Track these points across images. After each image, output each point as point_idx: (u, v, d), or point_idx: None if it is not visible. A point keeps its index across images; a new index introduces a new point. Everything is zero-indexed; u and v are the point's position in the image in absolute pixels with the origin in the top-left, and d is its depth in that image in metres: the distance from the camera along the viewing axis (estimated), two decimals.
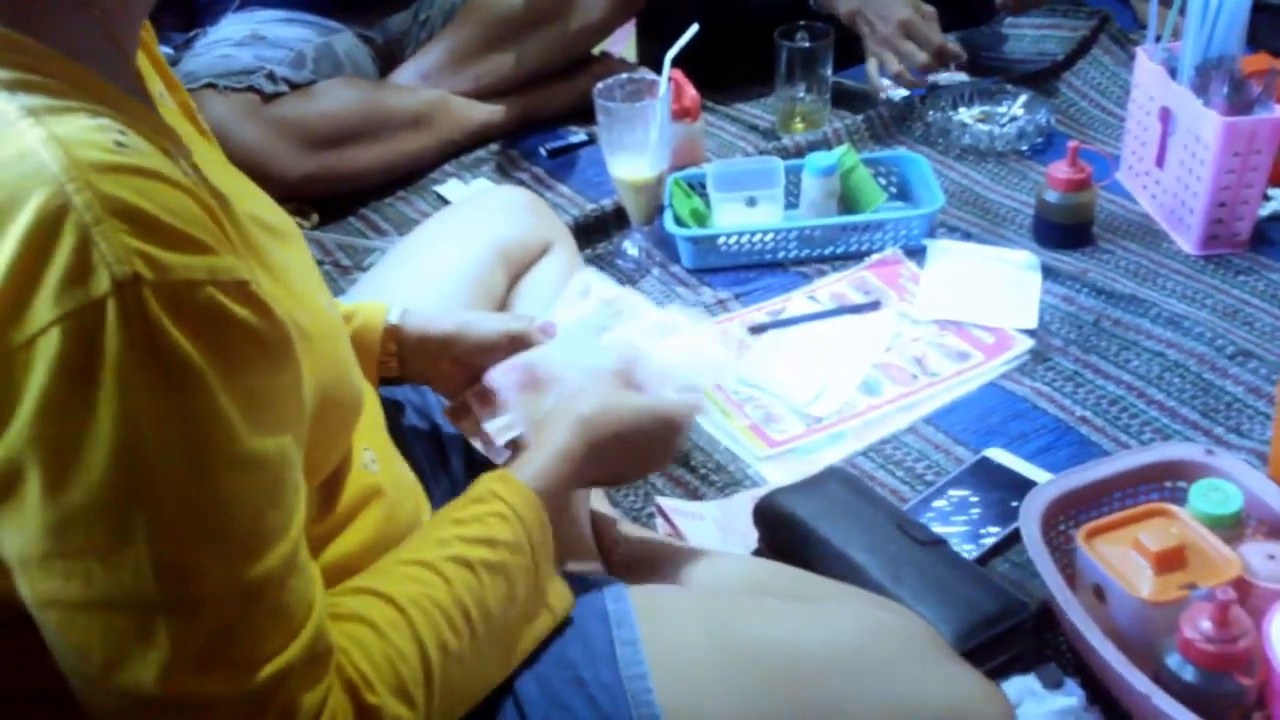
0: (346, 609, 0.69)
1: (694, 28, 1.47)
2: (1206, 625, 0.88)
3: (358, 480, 0.81)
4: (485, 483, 0.80)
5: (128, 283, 0.53)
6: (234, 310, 0.57)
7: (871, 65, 1.91)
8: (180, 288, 0.55)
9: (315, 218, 1.76)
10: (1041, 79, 1.96)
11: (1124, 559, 0.97)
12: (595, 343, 0.96)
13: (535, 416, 0.90)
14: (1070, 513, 1.06)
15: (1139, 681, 0.88)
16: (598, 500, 1.15)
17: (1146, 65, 1.60)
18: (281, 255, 0.71)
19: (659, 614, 0.82)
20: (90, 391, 0.53)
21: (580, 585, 0.83)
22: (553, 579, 0.81)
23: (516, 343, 0.96)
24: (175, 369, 0.55)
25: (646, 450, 0.90)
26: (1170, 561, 0.95)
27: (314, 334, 0.70)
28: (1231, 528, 0.99)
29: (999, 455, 1.24)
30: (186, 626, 0.57)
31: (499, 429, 0.96)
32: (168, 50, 1.80)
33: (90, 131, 0.55)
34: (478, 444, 1.00)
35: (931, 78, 1.98)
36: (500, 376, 0.93)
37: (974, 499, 1.19)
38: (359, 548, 0.79)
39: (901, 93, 1.93)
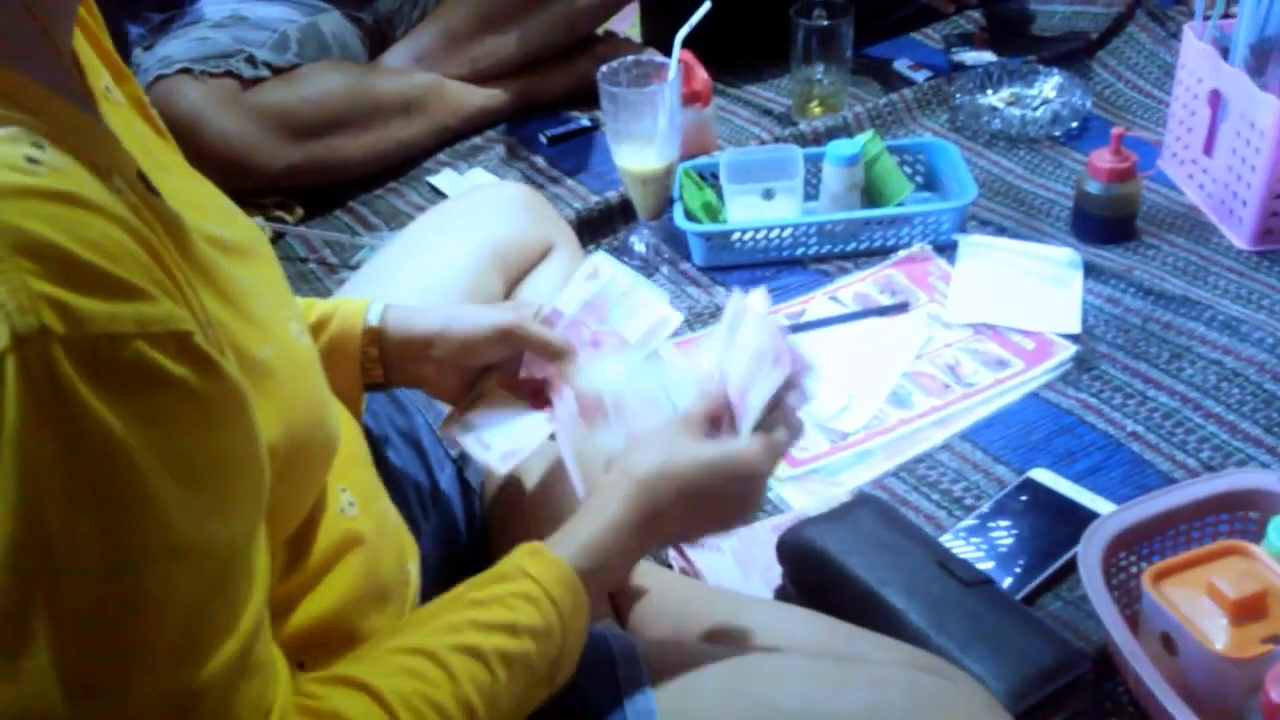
0: (322, 705, 0.59)
1: (707, 4, 1.35)
2: None
3: (333, 527, 0.72)
4: (514, 558, 0.70)
5: (32, 337, 0.44)
6: (169, 369, 0.48)
7: None
8: (100, 343, 0.45)
9: (300, 212, 1.67)
10: (1073, 59, 1.84)
11: (1196, 606, 0.89)
12: (667, 370, 0.85)
13: (589, 453, 0.80)
14: (1133, 548, 0.97)
15: None
16: None
17: (1194, 45, 1.49)
18: (243, 279, 0.61)
19: (677, 679, 0.74)
20: None
21: (585, 643, 0.73)
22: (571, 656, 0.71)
23: (508, 338, 0.86)
24: (91, 444, 0.46)
25: (717, 509, 0.78)
26: (1249, 610, 0.87)
27: (280, 372, 0.61)
28: None
29: (1045, 476, 1.14)
30: None
31: (505, 452, 0.85)
32: (141, 31, 1.68)
33: None
34: (480, 463, 0.89)
35: (956, 56, 1.87)
36: (562, 402, 0.84)
37: (1019, 527, 1.08)
38: (336, 605, 0.70)
39: (924, 74, 1.82)
